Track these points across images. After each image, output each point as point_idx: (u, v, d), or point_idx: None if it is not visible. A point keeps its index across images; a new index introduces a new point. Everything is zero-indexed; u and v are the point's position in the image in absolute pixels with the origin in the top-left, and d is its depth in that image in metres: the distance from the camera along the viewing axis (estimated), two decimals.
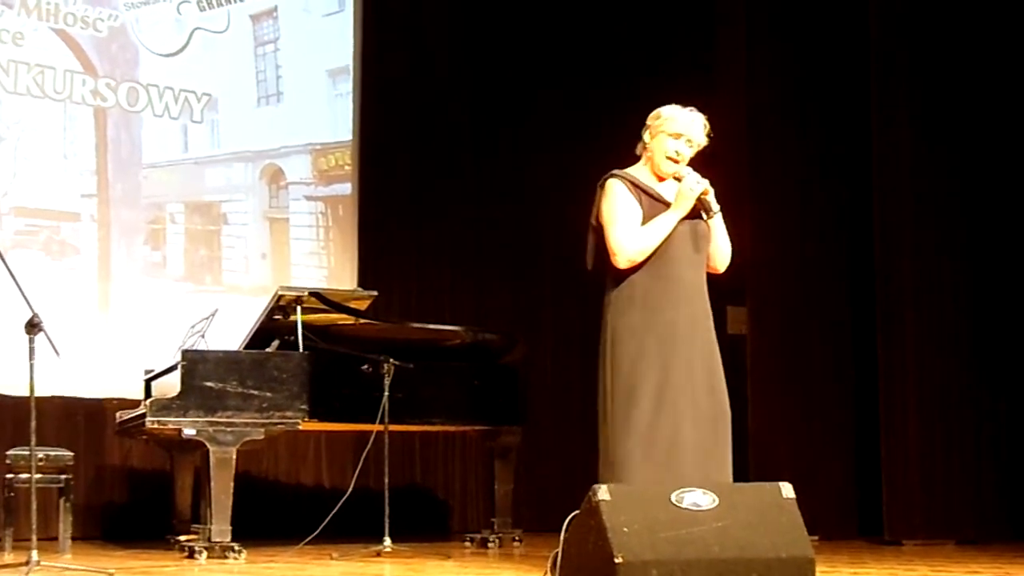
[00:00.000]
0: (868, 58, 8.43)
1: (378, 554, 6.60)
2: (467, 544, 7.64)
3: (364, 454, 6.91)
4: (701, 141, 5.04)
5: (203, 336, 6.96)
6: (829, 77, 8.86)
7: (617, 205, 4.96)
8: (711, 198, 4.98)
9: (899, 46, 8.38)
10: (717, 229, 5.06)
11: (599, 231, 5.03)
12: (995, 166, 8.52)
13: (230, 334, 7.05)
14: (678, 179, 4.98)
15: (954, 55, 8.45)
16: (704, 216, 5.01)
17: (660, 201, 4.98)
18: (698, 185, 4.95)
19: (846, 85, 8.80)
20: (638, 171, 5.06)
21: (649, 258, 4.93)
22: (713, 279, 5.11)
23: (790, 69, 8.88)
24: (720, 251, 5.09)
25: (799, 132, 8.85)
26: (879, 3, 8.41)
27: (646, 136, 5.06)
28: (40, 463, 6.72)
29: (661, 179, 5.04)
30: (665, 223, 4.93)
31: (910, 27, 8.40)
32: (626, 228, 4.92)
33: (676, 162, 4.99)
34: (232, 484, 6.46)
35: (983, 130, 8.49)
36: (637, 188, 4.98)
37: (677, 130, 5.00)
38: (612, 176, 5.02)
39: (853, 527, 8.54)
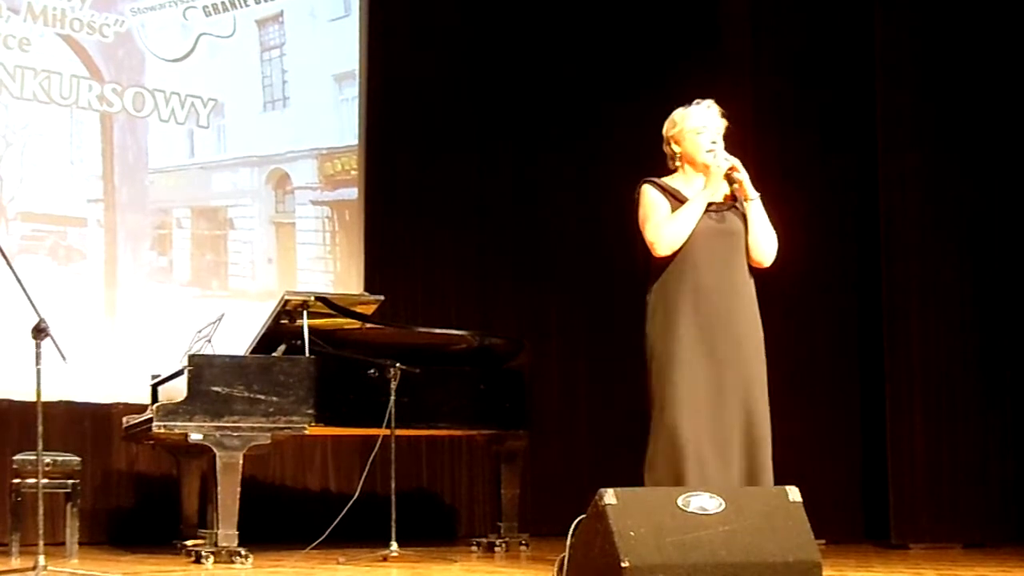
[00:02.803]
0: (873, 58, 8.44)
1: (385, 558, 6.60)
2: (474, 548, 7.64)
3: (371, 458, 6.90)
4: (721, 124, 5.10)
5: (209, 341, 6.97)
6: (832, 77, 8.85)
7: (648, 204, 5.02)
8: (743, 176, 5.00)
9: (904, 45, 8.39)
10: (755, 217, 5.05)
11: (641, 238, 5.07)
12: (1003, 166, 8.52)
13: (236, 339, 7.05)
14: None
15: (959, 55, 8.45)
16: (735, 198, 5.04)
17: (679, 198, 5.03)
18: (725, 162, 4.98)
19: (849, 84, 8.79)
20: (670, 179, 5.11)
21: (673, 262, 4.94)
22: None
23: (793, 70, 8.88)
24: (760, 242, 5.06)
25: (803, 137, 8.84)
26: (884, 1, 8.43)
27: (673, 147, 5.11)
28: (47, 468, 6.73)
29: (690, 185, 5.09)
30: (695, 204, 4.97)
31: (915, 25, 8.41)
32: (658, 219, 4.97)
33: (714, 152, 5.03)
34: (239, 489, 6.46)
35: (991, 129, 8.49)
36: (665, 191, 5.03)
37: (698, 125, 5.06)
38: (644, 182, 5.09)
39: (860, 531, 8.53)
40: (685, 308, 4.92)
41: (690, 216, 4.95)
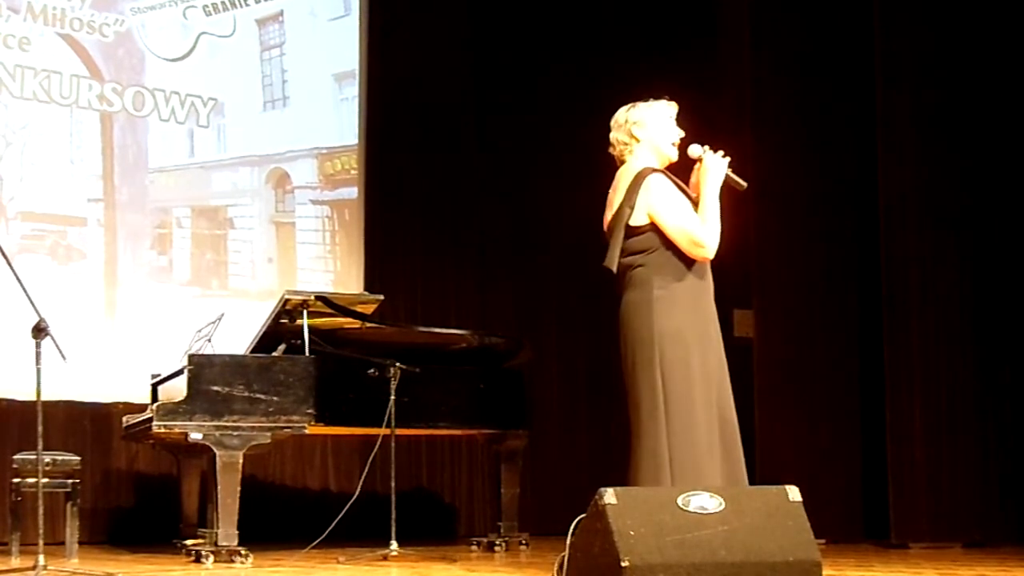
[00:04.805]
0: (873, 58, 8.44)
1: (384, 558, 6.60)
2: (473, 548, 7.65)
3: (371, 458, 6.91)
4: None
5: (209, 340, 6.97)
6: (832, 77, 8.85)
7: (676, 200, 4.96)
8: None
9: (904, 45, 8.40)
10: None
11: (639, 231, 4.97)
12: (1003, 166, 8.52)
13: (236, 338, 7.06)
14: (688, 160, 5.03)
15: (958, 55, 8.45)
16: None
17: (686, 193, 5.01)
18: (723, 160, 4.99)
19: (849, 84, 8.79)
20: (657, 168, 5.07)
21: (682, 256, 4.93)
22: (719, 282, 5.12)
23: (793, 70, 8.88)
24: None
25: (803, 137, 8.84)
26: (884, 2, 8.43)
27: (634, 132, 5.05)
28: (47, 468, 6.73)
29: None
30: (716, 206, 4.95)
31: (915, 25, 8.41)
32: (696, 220, 4.93)
33: (676, 145, 5.04)
34: (239, 488, 6.46)
35: (991, 129, 8.49)
36: (676, 185, 5.01)
37: (662, 116, 5.05)
38: (653, 171, 5.00)
39: (859, 530, 8.53)
40: (704, 305, 4.96)
41: (717, 213, 4.94)
